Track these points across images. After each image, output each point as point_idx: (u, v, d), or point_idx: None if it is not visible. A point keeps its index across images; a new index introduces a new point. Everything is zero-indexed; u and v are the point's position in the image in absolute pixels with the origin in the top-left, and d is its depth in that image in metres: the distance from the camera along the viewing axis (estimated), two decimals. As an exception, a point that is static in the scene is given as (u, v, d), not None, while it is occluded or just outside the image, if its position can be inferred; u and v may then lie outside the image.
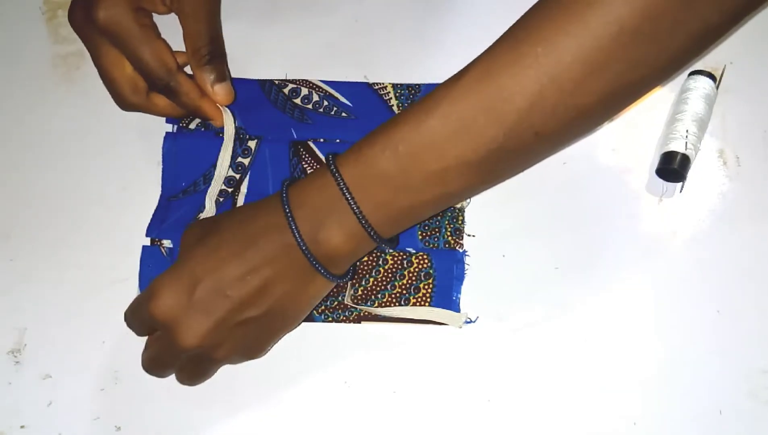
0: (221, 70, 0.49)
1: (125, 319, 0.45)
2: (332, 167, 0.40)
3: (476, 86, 0.38)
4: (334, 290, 0.48)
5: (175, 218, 0.50)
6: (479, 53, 0.39)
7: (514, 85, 0.37)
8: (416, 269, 0.48)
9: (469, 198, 0.47)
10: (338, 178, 0.40)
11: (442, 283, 0.47)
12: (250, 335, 0.42)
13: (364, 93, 0.53)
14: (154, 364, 0.44)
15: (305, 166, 0.51)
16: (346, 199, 0.40)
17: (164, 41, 0.48)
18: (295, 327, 0.45)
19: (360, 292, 0.48)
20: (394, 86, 0.53)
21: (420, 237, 0.49)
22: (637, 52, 0.35)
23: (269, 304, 0.41)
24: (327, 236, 0.41)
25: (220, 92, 0.49)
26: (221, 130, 0.53)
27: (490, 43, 0.39)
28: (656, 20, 0.34)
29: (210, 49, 0.48)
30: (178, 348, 0.41)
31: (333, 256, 0.41)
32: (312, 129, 0.52)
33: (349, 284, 0.47)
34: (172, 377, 0.45)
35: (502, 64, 0.37)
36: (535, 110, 0.37)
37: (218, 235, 0.42)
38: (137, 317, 0.43)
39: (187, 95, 0.48)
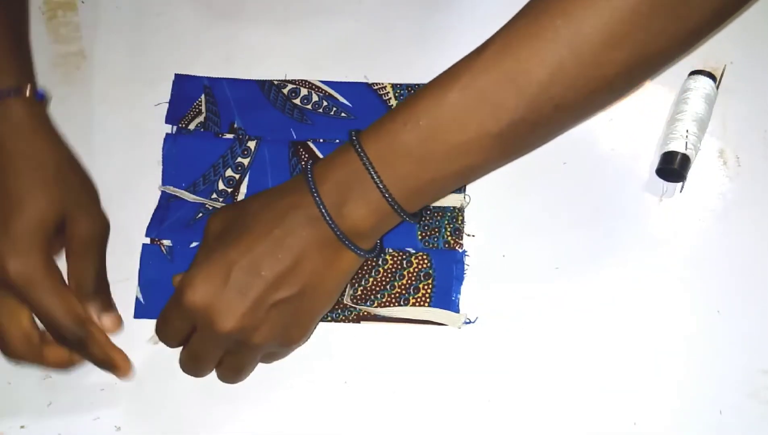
0: (107, 301, 0.47)
1: (157, 332, 0.44)
2: (355, 142, 0.41)
3: (496, 59, 0.38)
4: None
5: (174, 218, 0.50)
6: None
7: (534, 57, 0.37)
8: (416, 269, 0.48)
9: (492, 171, 0.46)
10: (361, 153, 0.40)
11: (441, 284, 0.47)
12: (286, 316, 0.42)
13: (364, 93, 0.53)
14: (193, 359, 0.43)
15: (305, 166, 0.51)
16: (369, 172, 0.40)
17: (69, 289, 0.46)
18: (329, 308, 0.44)
19: (359, 292, 0.48)
20: (394, 86, 0.53)
21: (420, 237, 0.49)
22: (657, 23, 0.36)
23: (302, 282, 0.41)
24: (351, 209, 0.41)
25: (107, 322, 0.46)
26: (221, 130, 0.53)
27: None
28: None
29: (95, 282, 0.47)
30: (217, 333, 0.41)
31: (358, 229, 0.41)
32: (311, 129, 0.52)
33: (348, 284, 0.47)
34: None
35: (522, 37, 0.38)
36: (555, 82, 0.37)
37: (245, 218, 0.42)
38: (173, 318, 0.42)
39: (99, 345, 0.45)
